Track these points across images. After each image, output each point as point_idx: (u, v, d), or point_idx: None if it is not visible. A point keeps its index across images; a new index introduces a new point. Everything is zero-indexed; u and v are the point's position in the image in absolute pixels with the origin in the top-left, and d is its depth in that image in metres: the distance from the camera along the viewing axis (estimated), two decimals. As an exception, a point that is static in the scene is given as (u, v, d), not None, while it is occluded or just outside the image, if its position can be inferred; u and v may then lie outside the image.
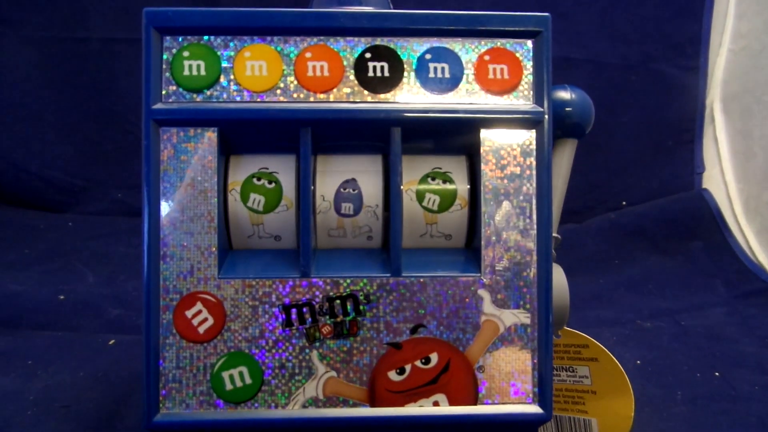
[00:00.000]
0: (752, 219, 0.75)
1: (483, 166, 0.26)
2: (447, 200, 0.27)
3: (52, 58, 0.81)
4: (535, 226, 0.26)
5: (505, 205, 0.26)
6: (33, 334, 0.58)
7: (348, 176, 0.27)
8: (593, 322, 0.64)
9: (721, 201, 0.78)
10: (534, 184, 0.26)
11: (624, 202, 0.82)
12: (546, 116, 0.26)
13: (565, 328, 0.33)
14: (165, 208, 0.26)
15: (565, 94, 0.31)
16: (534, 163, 0.26)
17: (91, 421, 0.45)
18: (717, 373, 0.54)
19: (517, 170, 0.26)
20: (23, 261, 0.72)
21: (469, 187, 0.28)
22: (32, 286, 0.65)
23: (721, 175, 0.79)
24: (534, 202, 0.26)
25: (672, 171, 0.82)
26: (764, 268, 0.72)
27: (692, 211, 0.77)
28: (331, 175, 0.27)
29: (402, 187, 0.26)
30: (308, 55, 0.26)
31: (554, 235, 0.32)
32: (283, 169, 0.27)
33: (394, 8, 0.28)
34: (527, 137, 0.26)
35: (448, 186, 0.27)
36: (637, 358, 0.56)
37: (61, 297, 0.63)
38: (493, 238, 0.26)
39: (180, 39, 0.26)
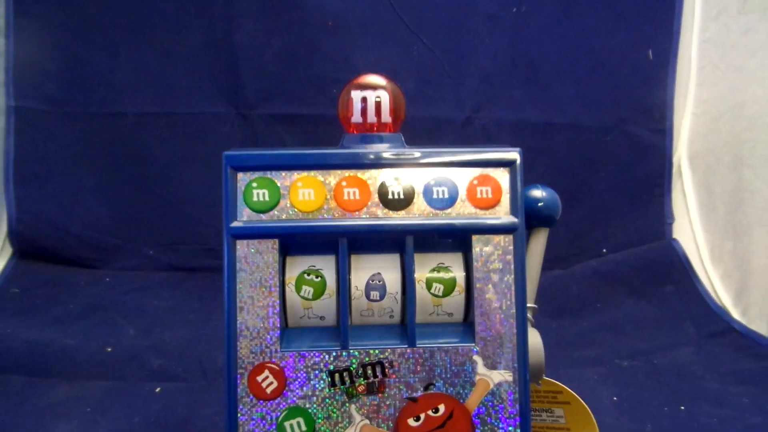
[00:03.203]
0: (717, 266, 0.84)
1: (474, 263, 0.35)
2: (449, 288, 0.36)
3: (90, 131, 0.90)
4: (514, 307, 0.35)
5: (491, 292, 0.35)
6: (87, 385, 0.66)
7: (375, 271, 0.36)
8: (578, 362, 0.73)
9: (689, 249, 0.87)
10: (513, 276, 0.35)
11: (605, 250, 0.91)
12: (520, 225, 0.35)
13: (545, 378, 0.41)
14: (240, 299, 0.35)
15: (537, 192, 0.41)
16: (512, 259, 0.35)
17: (152, 460, 0.53)
18: (682, 407, 0.62)
19: (500, 266, 0.35)
20: (69, 316, 0.80)
21: (465, 275, 0.37)
22: (81, 340, 0.73)
23: (690, 225, 0.89)
24: (513, 288, 0.35)
25: (646, 221, 0.91)
26: (727, 310, 0.81)
27: (664, 258, 0.87)
28: (362, 271, 0.36)
29: (415, 278, 0.36)
30: (344, 183, 0.35)
31: (532, 305, 0.41)
32: (326, 267, 0.36)
33: (406, 141, 0.38)
34: (507, 241, 0.35)
35: (449, 277, 0.36)
36: (614, 395, 0.65)
37: (108, 349, 0.72)
38: (483, 316, 0.35)
39: (249, 173, 0.35)
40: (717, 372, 0.70)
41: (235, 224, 0.35)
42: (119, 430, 0.57)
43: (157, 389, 0.66)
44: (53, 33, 0.89)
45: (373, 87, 0.37)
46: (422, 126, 0.90)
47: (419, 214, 0.35)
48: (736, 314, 0.80)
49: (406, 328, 0.36)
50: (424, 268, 0.36)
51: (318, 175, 0.35)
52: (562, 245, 0.89)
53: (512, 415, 0.35)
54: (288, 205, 0.35)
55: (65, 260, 0.90)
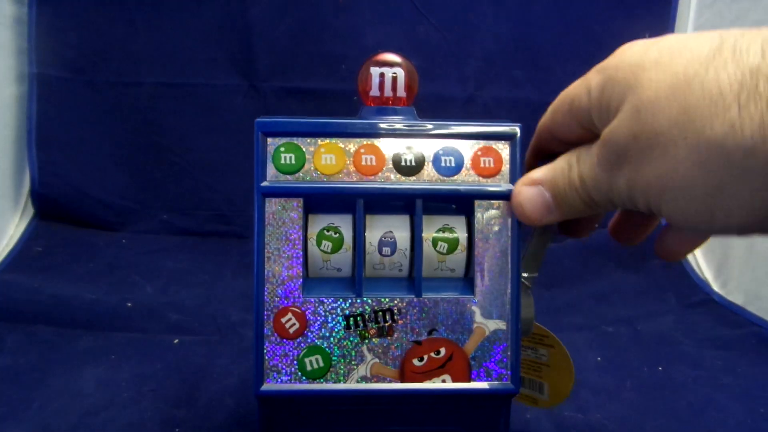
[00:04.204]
0: (701, 242, 0.89)
1: (476, 225, 0.40)
2: (452, 247, 0.41)
3: (108, 100, 0.94)
4: (509, 264, 0.40)
5: (490, 251, 0.40)
6: (111, 335, 0.71)
7: (387, 229, 0.41)
8: (566, 326, 0.78)
9: (676, 226, 0.92)
10: (509, 238, 0.40)
11: (597, 225, 0.95)
12: (517, 192, 0.40)
13: (534, 323, 0.46)
14: (268, 250, 0.39)
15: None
16: (510, 223, 0.40)
17: (174, 400, 0.58)
18: (660, 368, 0.68)
19: (498, 228, 0.40)
20: (90, 274, 0.85)
21: (467, 236, 0.41)
22: (103, 296, 0.78)
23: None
24: (509, 249, 0.40)
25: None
26: (708, 282, 0.86)
27: (653, 235, 0.91)
28: (376, 229, 0.41)
29: (423, 237, 0.40)
30: (362, 150, 0.40)
31: (534, 275, 0.45)
32: (344, 224, 0.41)
33: (418, 114, 0.42)
34: (505, 206, 0.40)
35: (453, 237, 0.41)
36: (598, 356, 0.70)
37: (129, 304, 0.77)
38: (482, 272, 0.40)
39: (278, 139, 0.39)
40: (695, 338, 0.75)
41: (264, 184, 0.39)
42: (142, 375, 0.63)
43: (175, 341, 0.71)
44: (73, 2, 0.92)
45: (390, 64, 0.41)
46: (426, 102, 0.93)
47: (428, 180, 0.40)
48: (716, 286, 0.85)
49: (413, 280, 0.40)
50: (431, 228, 0.41)
51: (339, 142, 0.40)
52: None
53: (504, 359, 0.40)
54: (312, 168, 0.39)
55: (84, 222, 0.95)
